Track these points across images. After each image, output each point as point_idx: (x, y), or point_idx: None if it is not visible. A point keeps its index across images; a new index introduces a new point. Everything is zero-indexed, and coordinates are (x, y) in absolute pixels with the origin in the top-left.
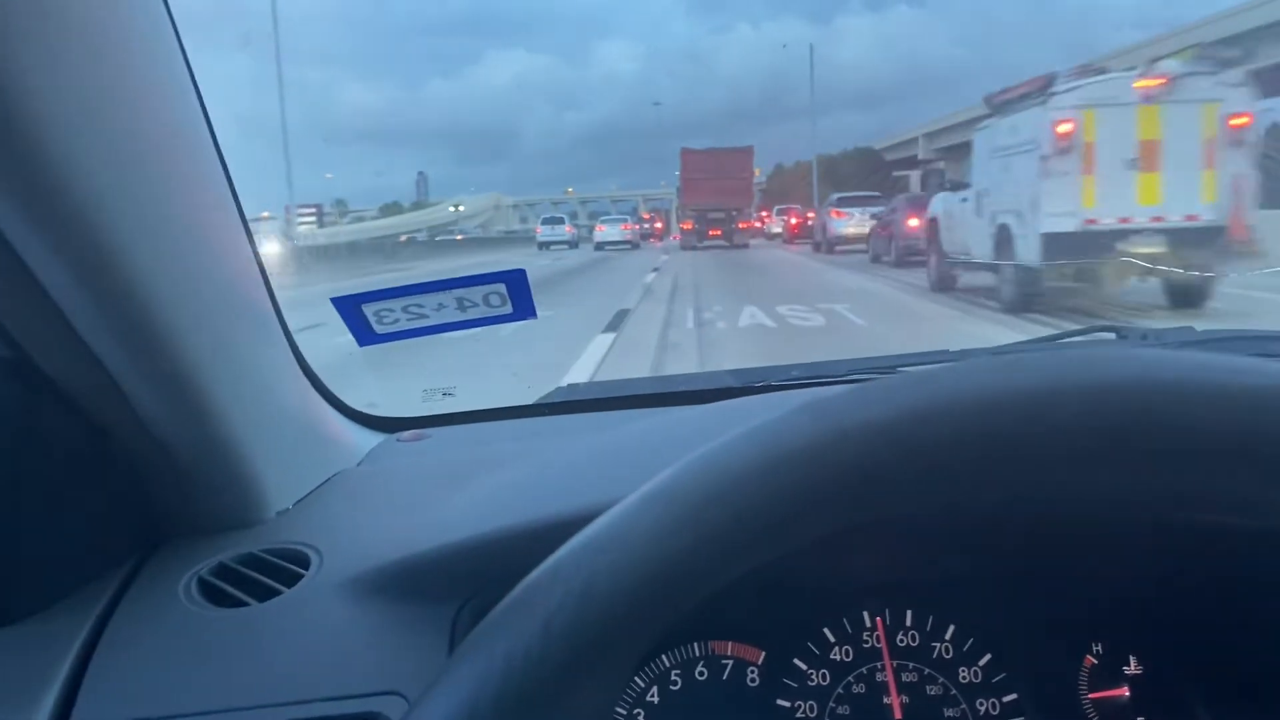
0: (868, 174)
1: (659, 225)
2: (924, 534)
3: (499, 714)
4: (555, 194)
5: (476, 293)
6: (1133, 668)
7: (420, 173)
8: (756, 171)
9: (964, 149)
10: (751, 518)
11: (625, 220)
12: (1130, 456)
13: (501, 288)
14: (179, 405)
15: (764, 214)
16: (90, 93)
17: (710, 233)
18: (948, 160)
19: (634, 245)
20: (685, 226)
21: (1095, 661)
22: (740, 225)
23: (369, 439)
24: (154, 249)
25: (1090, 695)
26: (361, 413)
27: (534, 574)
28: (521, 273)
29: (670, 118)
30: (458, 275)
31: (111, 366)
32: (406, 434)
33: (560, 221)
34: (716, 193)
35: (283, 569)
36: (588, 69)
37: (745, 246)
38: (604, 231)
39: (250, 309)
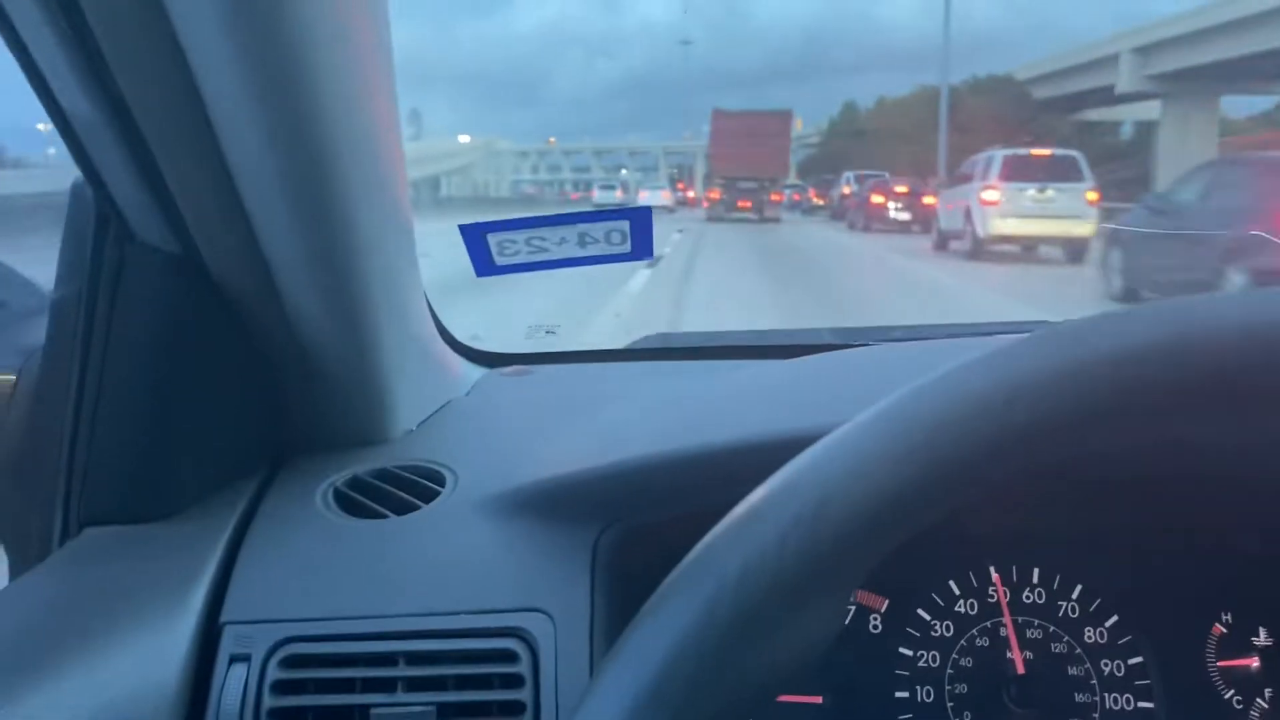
0: (1008, 118)
1: (691, 195)
2: (1061, 491)
3: (734, 625)
4: (572, 141)
5: (600, 229)
6: (1262, 639)
7: (413, 110)
8: (799, 124)
9: (1208, 77)
10: (987, 448)
11: (665, 189)
12: None
13: (625, 225)
14: (332, 313)
15: (880, 186)
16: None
17: (739, 204)
18: (1172, 98)
19: (671, 210)
20: (713, 195)
21: (1224, 630)
22: (772, 197)
23: (473, 372)
24: (346, 156)
25: (1219, 663)
26: (466, 346)
27: (759, 494)
28: (647, 211)
29: (701, 71)
30: None
31: (277, 268)
32: (508, 369)
33: (613, 188)
34: (749, 160)
35: (417, 484)
36: (620, 16)
37: (777, 220)
38: (646, 197)
39: (399, 231)
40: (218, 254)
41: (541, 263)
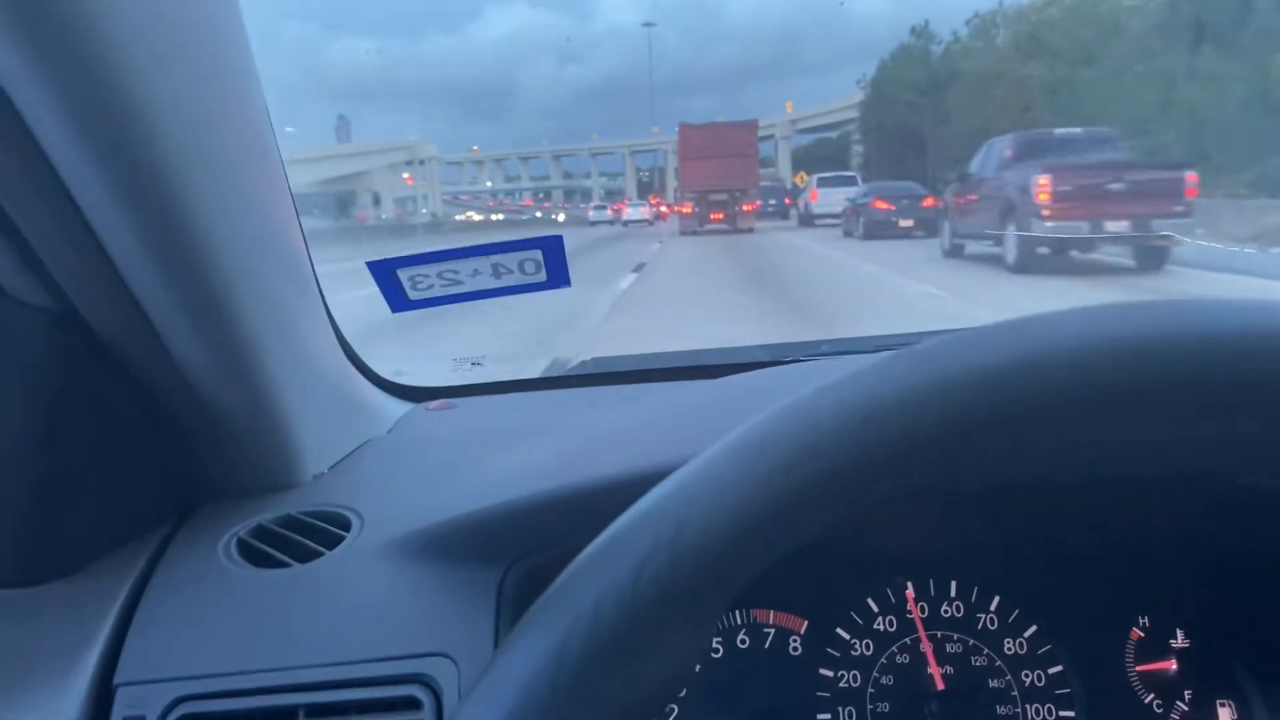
0: None
1: (664, 210)
2: (972, 502)
3: (588, 658)
4: (526, 148)
5: (512, 259)
6: (1180, 641)
7: (340, 116)
8: (789, 106)
9: None
10: (846, 469)
11: (644, 205)
12: (1252, 409)
13: (538, 254)
14: (223, 362)
15: None
16: (160, 43)
17: (712, 216)
18: None
19: (650, 223)
20: (685, 210)
21: (1142, 635)
22: (744, 208)
23: (397, 408)
24: (210, 201)
25: (1138, 668)
26: (389, 381)
27: (619, 523)
28: (558, 239)
29: (671, 71)
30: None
31: (158, 321)
32: (433, 403)
33: (604, 208)
34: (718, 173)
35: (322, 531)
36: (589, 22)
37: (750, 230)
38: (629, 213)
39: (293, 270)
40: (93, 308)
41: (457, 295)
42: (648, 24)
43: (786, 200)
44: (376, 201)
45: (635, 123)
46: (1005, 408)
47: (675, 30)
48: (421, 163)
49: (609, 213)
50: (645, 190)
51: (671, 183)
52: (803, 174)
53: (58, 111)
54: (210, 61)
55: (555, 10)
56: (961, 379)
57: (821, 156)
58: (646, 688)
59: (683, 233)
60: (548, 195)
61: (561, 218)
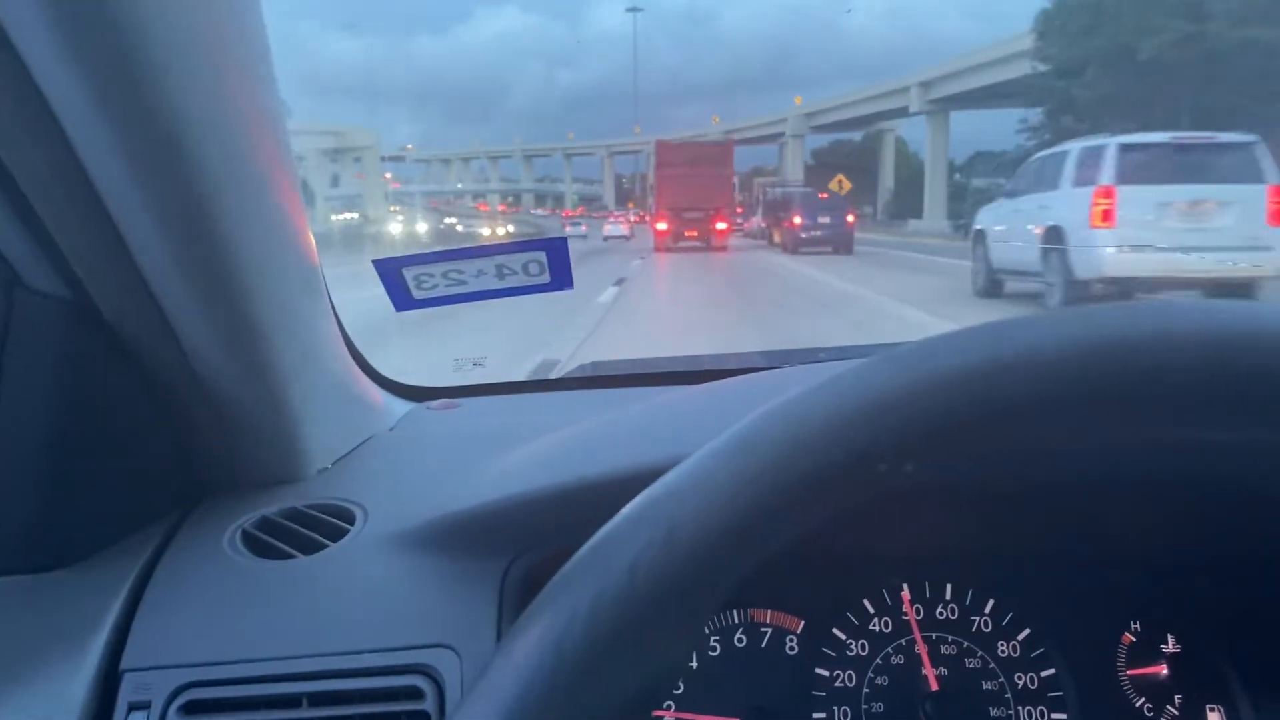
0: None
1: (626, 226)
2: (966, 506)
3: (585, 655)
4: (496, 145)
5: (517, 260)
6: (1170, 646)
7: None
8: (798, 100)
9: None
10: (834, 467)
11: (622, 219)
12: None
13: (542, 256)
14: (234, 355)
15: None
16: (190, 41)
17: (686, 233)
18: None
19: (628, 238)
20: (661, 227)
21: (1134, 639)
22: (715, 226)
23: (399, 406)
24: (230, 197)
25: (1128, 672)
26: (392, 380)
27: (613, 522)
28: (563, 241)
29: (662, 83)
30: None
31: (172, 313)
32: (436, 403)
33: (580, 224)
34: (694, 190)
35: (327, 524)
36: (576, 27)
37: (723, 249)
38: (609, 229)
39: (303, 269)
40: (108, 297)
41: (461, 295)
42: (632, 8)
43: (849, 219)
44: (310, 201)
45: (617, 128)
46: (989, 406)
47: (664, 35)
48: (359, 159)
49: (583, 230)
50: (625, 199)
51: (651, 198)
52: (841, 178)
53: (90, 105)
54: (234, 62)
55: (543, 14)
56: (947, 378)
57: (840, 163)
58: (641, 683)
59: (657, 249)
60: (517, 199)
61: (511, 229)
